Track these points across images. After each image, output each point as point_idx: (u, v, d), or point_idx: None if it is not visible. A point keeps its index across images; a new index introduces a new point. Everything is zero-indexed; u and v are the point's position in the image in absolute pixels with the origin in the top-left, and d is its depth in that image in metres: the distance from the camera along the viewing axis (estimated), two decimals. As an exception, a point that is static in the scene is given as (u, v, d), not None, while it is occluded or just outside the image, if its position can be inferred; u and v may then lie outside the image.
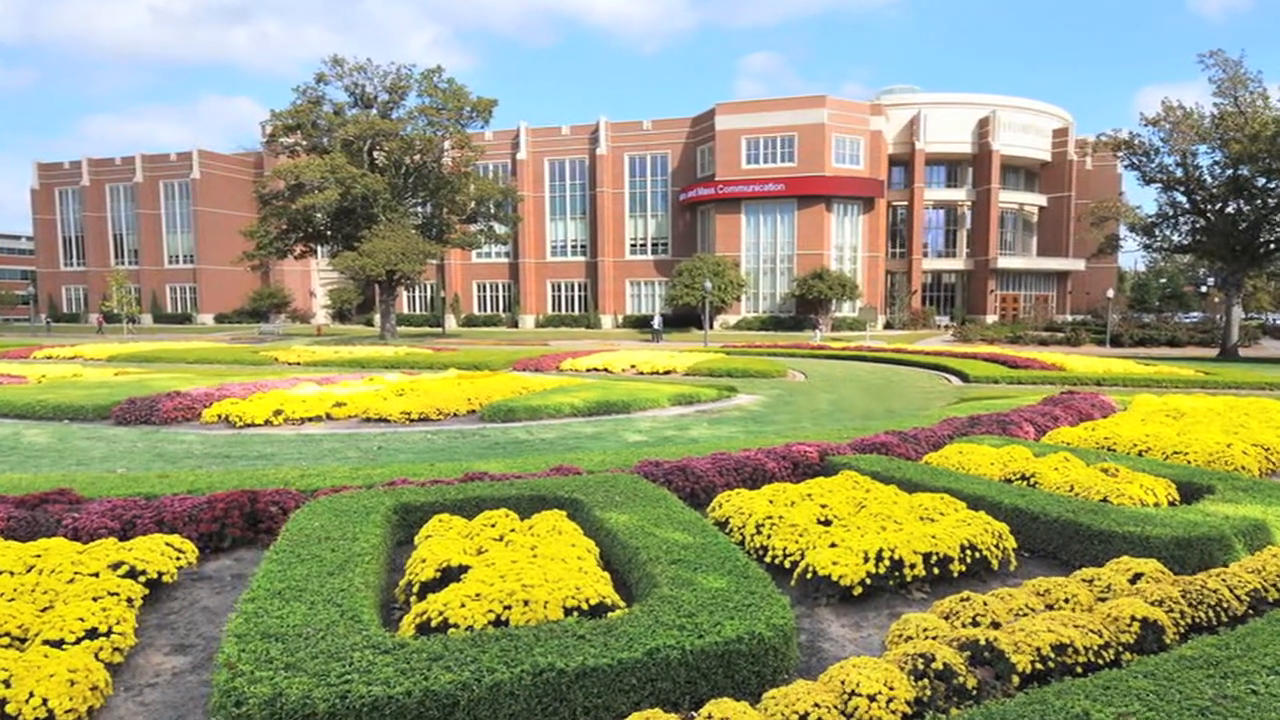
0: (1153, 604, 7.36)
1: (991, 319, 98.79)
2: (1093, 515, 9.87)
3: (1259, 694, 5.67)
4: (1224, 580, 7.86)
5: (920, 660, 6.12)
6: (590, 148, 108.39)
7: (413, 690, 5.53)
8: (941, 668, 6.04)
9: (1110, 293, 75.62)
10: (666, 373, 37.25)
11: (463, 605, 7.04)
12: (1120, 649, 6.77)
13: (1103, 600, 7.70)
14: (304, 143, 77.97)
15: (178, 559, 9.06)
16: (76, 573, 8.12)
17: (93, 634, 6.90)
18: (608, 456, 14.90)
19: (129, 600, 7.78)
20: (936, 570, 8.91)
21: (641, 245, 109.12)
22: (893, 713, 5.71)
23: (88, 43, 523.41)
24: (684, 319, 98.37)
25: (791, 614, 6.93)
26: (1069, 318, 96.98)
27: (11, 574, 8.17)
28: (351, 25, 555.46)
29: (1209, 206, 59.84)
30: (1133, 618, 6.97)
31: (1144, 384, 31.40)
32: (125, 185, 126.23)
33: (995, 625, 7.12)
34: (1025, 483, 12.55)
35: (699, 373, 36.72)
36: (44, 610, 7.31)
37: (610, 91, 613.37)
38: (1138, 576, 8.18)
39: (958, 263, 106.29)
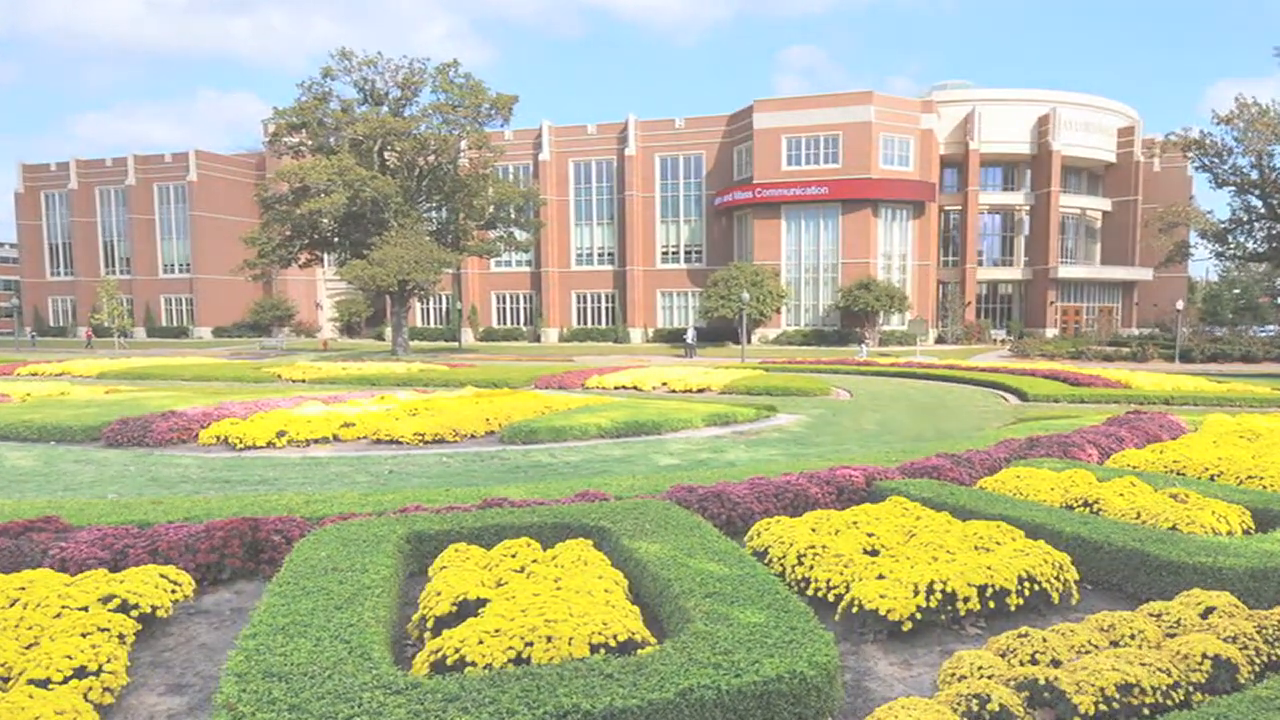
0: (1225, 640, 7.33)
1: (1051, 332, 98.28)
2: (1160, 544, 9.82)
3: (1343, 739, 5.64)
4: (1304, 615, 7.82)
5: (974, 701, 6.10)
6: (618, 148, 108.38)
7: (426, 733, 5.54)
8: (997, 709, 6.03)
9: (1180, 304, 75.32)
10: (700, 391, 37.33)
11: (481, 642, 7.05)
12: (1190, 689, 6.74)
13: (1171, 636, 7.67)
14: (309, 142, 78.13)
15: (173, 592, 9.09)
16: (64, 606, 8.12)
17: (81, 673, 6.90)
18: (637, 481, 14.92)
19: (120, 636, 7.80)
20: (992, 604, 8.87)
21: (673, 253, 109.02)
22: (944, 758, 5.70)
23: (76, 35, 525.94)
24: (719, 332, 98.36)
25: (836, 651, 6.92)
26: (1135, 331, 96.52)
27: (-6, 607, 8.20)
28: (361, 15, 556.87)
29: (1287, 212, 59.54)
30: (1204, 655, 6.94)
31: (1216, 403, 31.34)
32: (116, 188, 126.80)
33: (1055, 663, 7.10)
34: (1088, 509, 12.51)
35: (735, 391, 36.81)
36: (29, 647, 7.33)
37: (640, 87, 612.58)
38: (1209, 610, 8.14)
39: (1015, 272, 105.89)
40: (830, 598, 9.18)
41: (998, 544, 10.25)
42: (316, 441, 22.65)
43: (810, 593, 9.41)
